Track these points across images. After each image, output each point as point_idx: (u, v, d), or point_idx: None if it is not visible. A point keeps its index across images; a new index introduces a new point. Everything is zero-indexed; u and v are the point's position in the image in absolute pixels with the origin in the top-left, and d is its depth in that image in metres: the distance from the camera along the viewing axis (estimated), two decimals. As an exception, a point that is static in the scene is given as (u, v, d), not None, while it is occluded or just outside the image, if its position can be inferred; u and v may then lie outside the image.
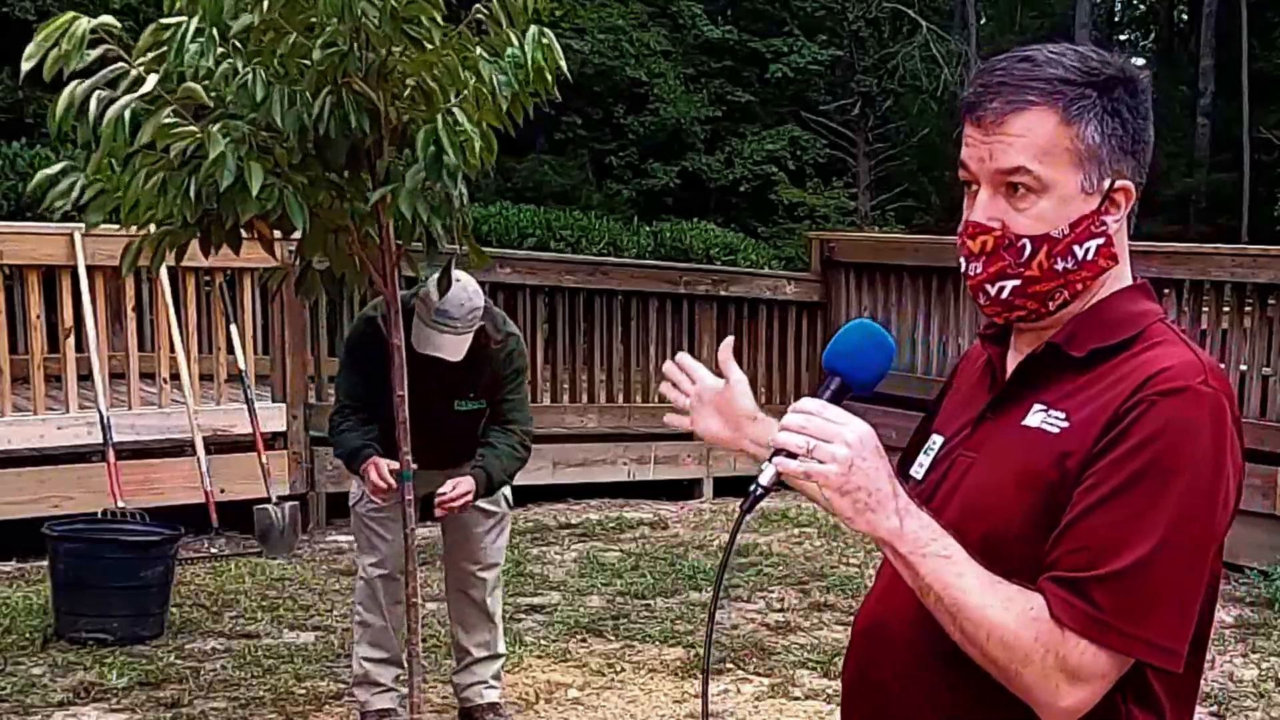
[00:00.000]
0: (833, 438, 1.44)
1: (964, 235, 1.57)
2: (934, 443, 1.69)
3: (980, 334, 1.70)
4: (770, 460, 1.48)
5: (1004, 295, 1.56)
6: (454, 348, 4.13)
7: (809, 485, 1.48)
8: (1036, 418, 1.55)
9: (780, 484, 1.50)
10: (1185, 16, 29.70)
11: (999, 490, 1.54)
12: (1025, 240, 1.53)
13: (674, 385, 1.90)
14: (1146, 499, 1.44)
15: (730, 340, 1.91)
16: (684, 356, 1.93)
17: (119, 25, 3.33)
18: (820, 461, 1.44)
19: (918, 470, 1.68)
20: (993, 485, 1.55)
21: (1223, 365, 1.59)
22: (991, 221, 1.54)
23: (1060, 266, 1.54)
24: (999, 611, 1.44)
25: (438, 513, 4.28)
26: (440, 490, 4.21)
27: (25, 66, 3.21)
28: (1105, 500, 1.45)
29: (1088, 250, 1.54)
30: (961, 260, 1.58)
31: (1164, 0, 30.51)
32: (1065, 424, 1.52)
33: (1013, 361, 1.64)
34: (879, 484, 1.44)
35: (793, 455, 1.45)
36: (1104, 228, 1.55)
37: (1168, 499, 1.43)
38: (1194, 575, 1.47)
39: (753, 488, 1.50)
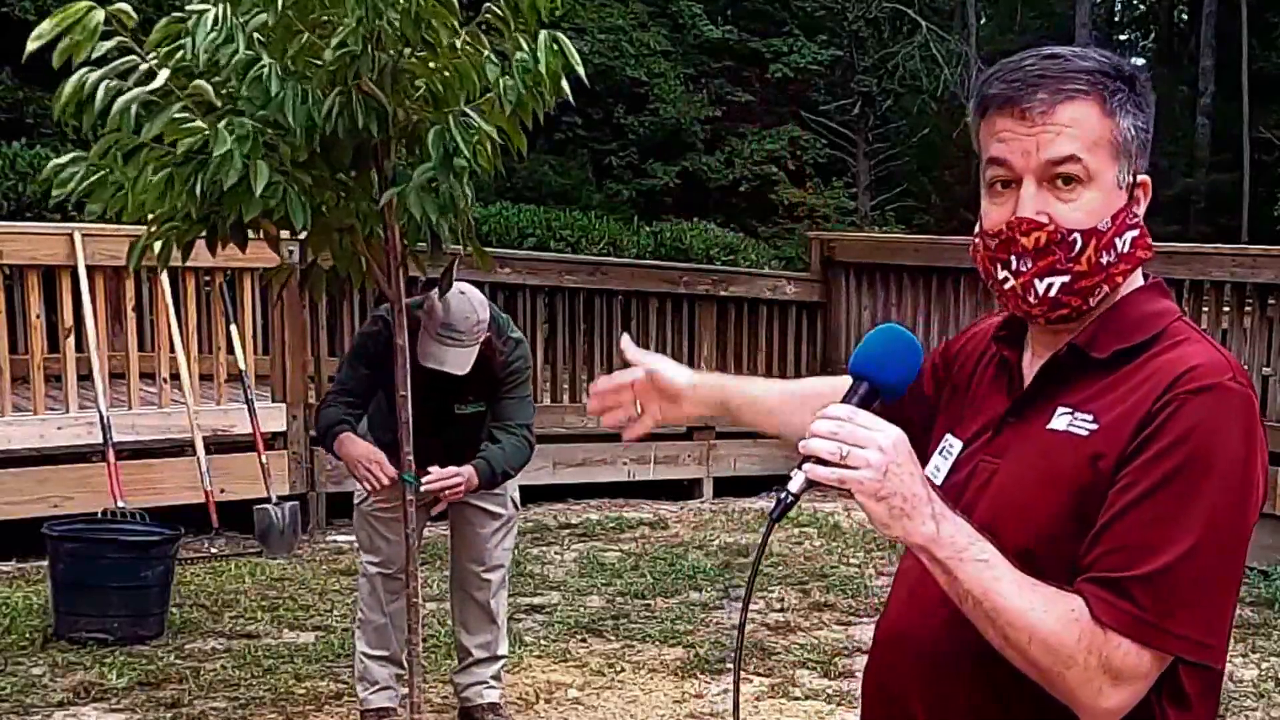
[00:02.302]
0: (866, 443, 1.42)
1: (1014, 232, 1.53)
2: (949, 444, 1.67)
3: (995, 336, 1.67)
4: (800, 467, 1.44)
5: (1051, 292, 1.54)
6: (459, 361, 4.13)
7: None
8: (1063, 421, 1.54)
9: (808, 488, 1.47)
10: (1185, 16, 29.68)
11: (1028, 495, 1.53)
12: (1076, 234, 1.52)
13: (609, 408, 1.96)
14: (1182, 497, 1.44)
15: (626, 337, 2.00)
16: (600, 381, 1.98)
17: (134, 17, 3.31)
18: (855, 468, 1.41)
19: (934, 473, 1.65)
20: (1021, 490, 1.54)
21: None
22: (1040, 215, 1.52)
23: (1105, 260, 1.54)
24: (1040, 614, 1.42)
25: (435, 500, 4.26)
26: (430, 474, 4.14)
27: (31, 46, 3.12)
28: (1141, 499, 1.44)
29: (1126, 242, 1.55)
30: (1011, 259, 1.54)
31: (1164, 0, 30.50)
32: (1094, 426, 1.51)
33: (1029, 364, 1.62)
34: (914, 489, 1.42)
35: (824, 461, 1.42)
36: (1136, 219, 1.56)
37: (1203, 496, 1.44)
38: (1230, 570, 1.48)
39: (783, 495, 1.46)
